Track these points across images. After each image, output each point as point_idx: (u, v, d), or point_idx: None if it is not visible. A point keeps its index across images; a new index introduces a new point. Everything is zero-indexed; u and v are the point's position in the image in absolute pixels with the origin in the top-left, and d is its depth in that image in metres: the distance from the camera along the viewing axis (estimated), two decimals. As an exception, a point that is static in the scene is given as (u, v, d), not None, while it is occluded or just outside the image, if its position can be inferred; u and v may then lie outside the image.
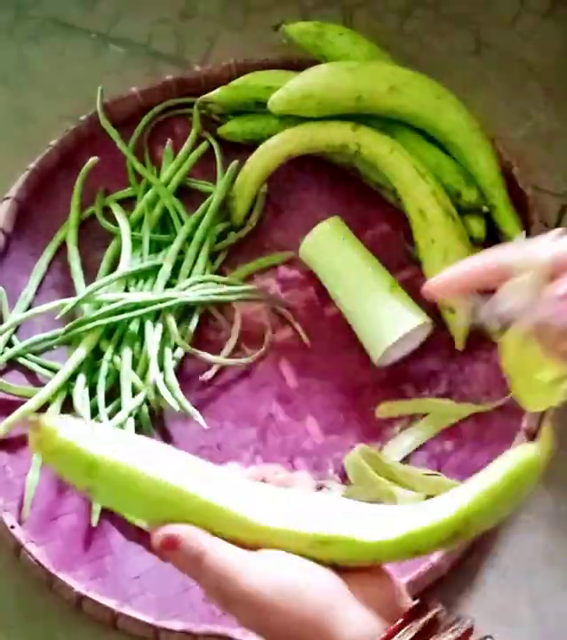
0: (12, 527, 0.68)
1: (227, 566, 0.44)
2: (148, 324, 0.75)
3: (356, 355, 0.76)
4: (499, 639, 0.42)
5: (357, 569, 0.45)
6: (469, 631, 0.42)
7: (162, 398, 0.71)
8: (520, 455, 0.45)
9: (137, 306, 0.75)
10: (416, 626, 0.42)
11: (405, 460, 0.72)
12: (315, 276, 0.79)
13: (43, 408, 0.72)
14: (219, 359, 0.76)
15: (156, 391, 0.72)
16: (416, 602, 0.44)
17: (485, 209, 0.79)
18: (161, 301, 0.75)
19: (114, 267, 0.79)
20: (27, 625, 0.68)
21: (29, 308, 0.79)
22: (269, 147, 0.81)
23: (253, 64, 0.87)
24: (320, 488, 0.70)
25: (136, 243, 0.80)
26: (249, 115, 0.85)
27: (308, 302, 0.80)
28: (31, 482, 0.70)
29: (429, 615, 0.43)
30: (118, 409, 0.72)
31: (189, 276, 0.79)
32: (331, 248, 0.78)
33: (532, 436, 0.72)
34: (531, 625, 0.67)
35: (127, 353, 0.74)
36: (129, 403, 0.72)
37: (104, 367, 0.74)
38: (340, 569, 0.45)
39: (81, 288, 0.78)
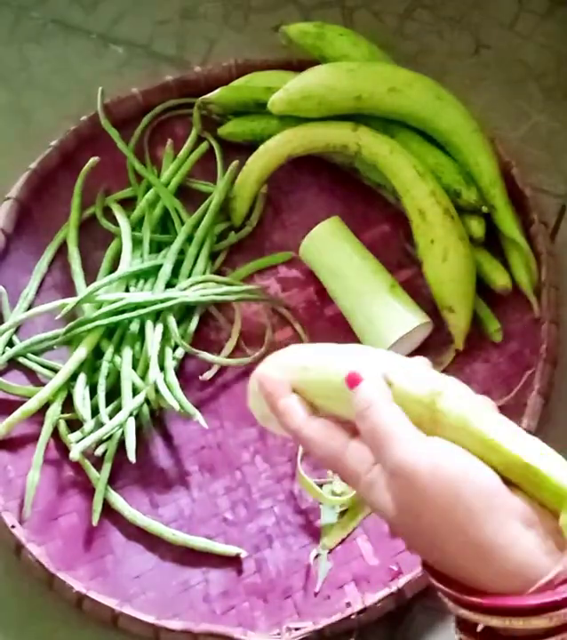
0: (13, 527, 0.68)
1: (392, 427, 0.45)
2: (149, 323, 0.75)
3: (356, 355, 0.76)
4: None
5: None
6: None
7: (162, 398, 0.72)
8: None
9: (137, 306, 0.75)
10: None
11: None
12: (315, 276, 0.80)
13: (43, 408, 0.72)
14: (219, 359, 0.76)
15: (157, 391, 0.72)
16: None
17: (485, 209, 0.79)
18: (161, 301, 0.75)
19: (114, 267, 0.79)
20: (27, 625, 0.68)
21: (30, 307, 0.79)
22: (269, 147, 0.81)
23: (253, 65, 0.87)
24: (320, 487, 0.71)
25: (136, 243, 0.80)
26: (249, 115, 0.85)
27: (308, 302, 0.80)
28: (32, 482, 0.70)
29: None
30: (119, 409, 0.72)
31: (189, 276, 0.79)
32: (331, 248, 0.78)
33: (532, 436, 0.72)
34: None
35: (127, 353, 0.74)
36: (129, 402, 0.72)
37: (104, 367, 0.74)
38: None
39: (81, 288, 0.78)
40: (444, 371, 0.76)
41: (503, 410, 0.73)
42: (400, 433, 0.45)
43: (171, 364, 0.74)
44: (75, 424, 0.72)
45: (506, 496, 0.43)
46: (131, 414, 0.71)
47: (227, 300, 0.78)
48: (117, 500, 0.70)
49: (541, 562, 0.41)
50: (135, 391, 0.73)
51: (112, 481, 0.71)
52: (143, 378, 0.74)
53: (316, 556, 0.69)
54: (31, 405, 0.72)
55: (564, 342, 0.77)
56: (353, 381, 0.47)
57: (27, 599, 0.69)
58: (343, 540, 0.69)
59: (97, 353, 0.75)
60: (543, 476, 0.43)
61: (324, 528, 0.70)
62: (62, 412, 0.73)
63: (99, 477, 0.70)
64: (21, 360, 0.76)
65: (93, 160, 0.82)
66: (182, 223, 0.81)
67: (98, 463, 0.71)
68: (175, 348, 0.75)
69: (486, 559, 0.42)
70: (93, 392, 0.73)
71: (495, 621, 0.41)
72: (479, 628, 0.42)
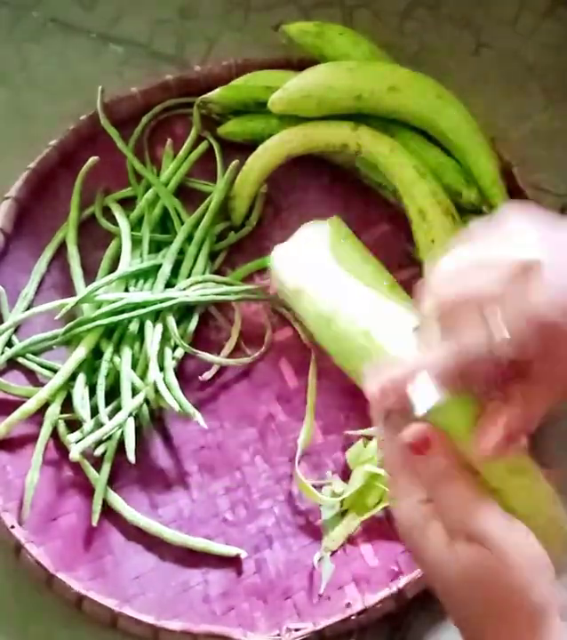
0: (12, 527, 0.68)
1: (478, 497, 0.45)
2: (148, 323, 0.75)
3: (356, 355, 0.76)
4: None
5: None
6: None
7: (162, 398, 0.71)
8: None
9: (137, 306, 0.75)
10: None
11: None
12: (315, 276, 0.79)
13: (42, 408, 0.72)
14: (219, 359, 0.76)
15: (156, 391, 0.72)
16: None
17: (485, 209, 0.79)
18: (161, 301, 0.75)
19: (114, 267, 0.79)
20: (27, 625, 0.68)
21: (29, 307, 0.78)
22: (269, 147, 0.81)
23: (253, 64, 0.87)
24: (320, 488, 0.71)
25: (136, 243, 0.80)
26: (249, 115, 0.85)
27: (308, 302, 0.80)
28: (31, 482, 0.70)
29: None
30: (118, 409, 0.72)
31: (189, 275, 0.79)
32: (330, 248, 0.78)
33: (532, 436, 0.72)
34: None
35: (127, 353, 0.74)
36: (129, 403, 0.72)
37: (104, 367, 0.73)
38: None
39: (81, 288, 0.78)
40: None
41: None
42: (488, 508, 0.45)
43: (170, 364, 0.74)
44: (74, 424, 0.72)
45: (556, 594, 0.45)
46: (130, 414, 0.71)
47: (227, 299, 0.77)
48: (117, 501, 0.70)
49: None
50: (134, 391, 0.73)
51: (111, 481, 0.71)
52: (142, 378, 0.74)
53: (320, 559, 0.69)
54: (30, 406, 0.72)
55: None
56: (421, 447, 0.46)
57: (26, 600, 0.68)
58: (345, 542, 0.69)
59: (96, 353, 0.75)
60: None
61: (326, 529, 0.70)
62: (61, 413, 0.73)
63: (99, 478, 0.70)
64: (20, 360, 0.76)
65: (93, 159, 0.82)
66: (182, 223, 0.81)
67: (97, 463, 0.71)
68: (175, 348, 0.75)
69: None
70: (93, 392, 0.73)
71: None
72: None
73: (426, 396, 0.45)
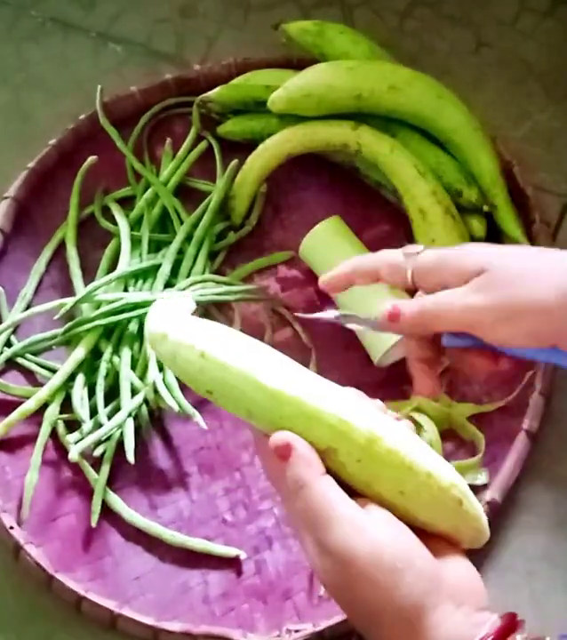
0: (11, 528, 0.68)
1: (326, 507, 0.45)
2: (148, 323, 0.75)
3: (356, 355, 0.76)
4: None
5: (445, 544, 0.46)
6: None
7: (161, 398, 0.71)
8: None
9: (136, 306, 0.75)
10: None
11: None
12: (315, 276, 0.79)
13: (41, 408, 0.72)
14: (219, 359, 0.76)
15: (156, 391, 0.72)
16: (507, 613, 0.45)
17: (486, 208, 0.78)
18: (160, 301, 0.75)
19: (113, 266, 0.79)
20: (26, 625, 0.68)
21: (28, 307, 0.78)
22: (269, 146, 0.81)
23: (253, 63, 0.87)
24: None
25: (135, 242, 0.80)
26: (248, 114, 0.85)
27: (308, 302, 0.80)
28: (30, 483, 0.70)
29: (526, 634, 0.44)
30: (117, 409, 0.72)
31: (189, 275, 0.78)
32: (331, 248, 0.78)
33: (533, 436, 0.72)
34: (531, 625, 0.66)
35: (126, 353, 0.74)
36: (128, 403, 0.71)
37: (103, 367, 0.73)
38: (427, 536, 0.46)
39: (80, 288, 0.78)
40: (446, 371, 0.75)
41: (505, 410, 0.74)
42: (337, 515, 0.45)
43: (170, 365, 0.73)
44: (73, 425, 0.72)
45: (440, 580, 0.45)
46: (129, 415, 0.71)
47: (227, 299, 0.77)
48: (116, 502, 0.70)
49: (469, 633, 0.44)
50: (134, 391, 0.73)
51: (111, 482, 0.71)
52: (142, 378, 0.74)
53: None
54: (29, 406, 0.72)
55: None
56: (282, 456, 0.46)
57: (25, 601, 0.68)
58: None
59: (95, 353, 0.75)
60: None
61: None
62: (61, 413, 0.73)
63: (98, 478, 0.70)
64: (19, 360, 0.75)
65: (92, 159, 0.82)
66: (181, 222, 0.81)
67: (96, 464, 0.70)
68: (174, 348, 0.75)
69: (419, 636, 0.44)
70: (92, 392, 0.73)
71: None
72: None
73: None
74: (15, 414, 0.71)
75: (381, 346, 0.73)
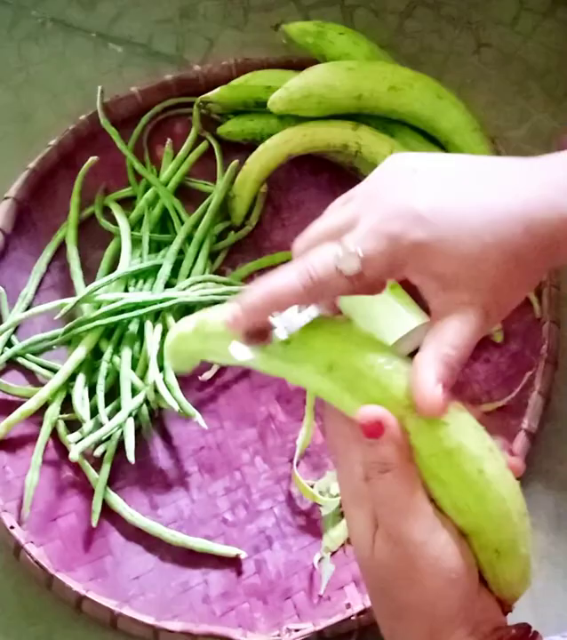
0: (12, 528, 0.68)
1: (409, 496, 0.44)
2: (148, 324, 0.75)
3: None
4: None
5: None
6: None
7: (161, 398, 0.71)
8: None
9: (136, 306, 0.75)
10: None
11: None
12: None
13: (42, 408, 0.72)
14: (219, 359, 0.76)
15: (156, 391, 0.72)
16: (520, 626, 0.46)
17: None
18: (160, 301, 0.75)
19: (113, 267, 0.79)
20: (27, 625, 0.68)
21: (29, 307, 0.78)
22: (269, 146, 0.81)
23: (253, 63, 0.87)
24: (315, 487, 0.71)
25: (136, 242, 0.80)
26: (249, 114, 0.85)
27: (308, 302, 0.80)
28: (30, 482, 0.70)
29: None
30: (118, 409, 0.72)
31: (189, 275, 0.78)
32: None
33: (532, 436, 0.72)
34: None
35: (127, 353, 0.74)
36: (128, 403, 0.72)
37: (103, 367, 0.73)
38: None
39: (80, 288, 0.78)
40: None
41: (504, 410, 0.74)
42: (418, 508, 0.44)
43: (170, 365, 0.73)
44: (74, 424, 0.72)
45: (474, 600, 0.45)
46: (130, 415, 0.71)
47: (227, 300, 0.77)
48: (117, 501, 0.70)
49: None
50: (134, 391, 0.73)
51: (111, 482, 0.71)
52: (142, 378, 0.74)
53: (320, 560, 0.69)
54: (30, 406, 0.72)
55: (565, 342, 0.77)
56: (372, 432, 0.44)
57: (26, 600, 0.68)
58: (345, 542, 0.69)
59: (96, 353, 0.75)
60: None
61: (325, 530, 0.69)
62: (61, 413, 0.73)
63: (99, 478, 0.70)
64: (20, 360, 0.75)
65: (92, 159, 0.82)
66: (182, 223, 0.81)
67: (97, 464, 0.71)
68: (174, 348, 0.75)
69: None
70: (92, 392, 0.73)
71: None
72: None
73: (286, 321, 0.47)
74: (16, 414, 0.71)
75: (398, 331, 0.73)
